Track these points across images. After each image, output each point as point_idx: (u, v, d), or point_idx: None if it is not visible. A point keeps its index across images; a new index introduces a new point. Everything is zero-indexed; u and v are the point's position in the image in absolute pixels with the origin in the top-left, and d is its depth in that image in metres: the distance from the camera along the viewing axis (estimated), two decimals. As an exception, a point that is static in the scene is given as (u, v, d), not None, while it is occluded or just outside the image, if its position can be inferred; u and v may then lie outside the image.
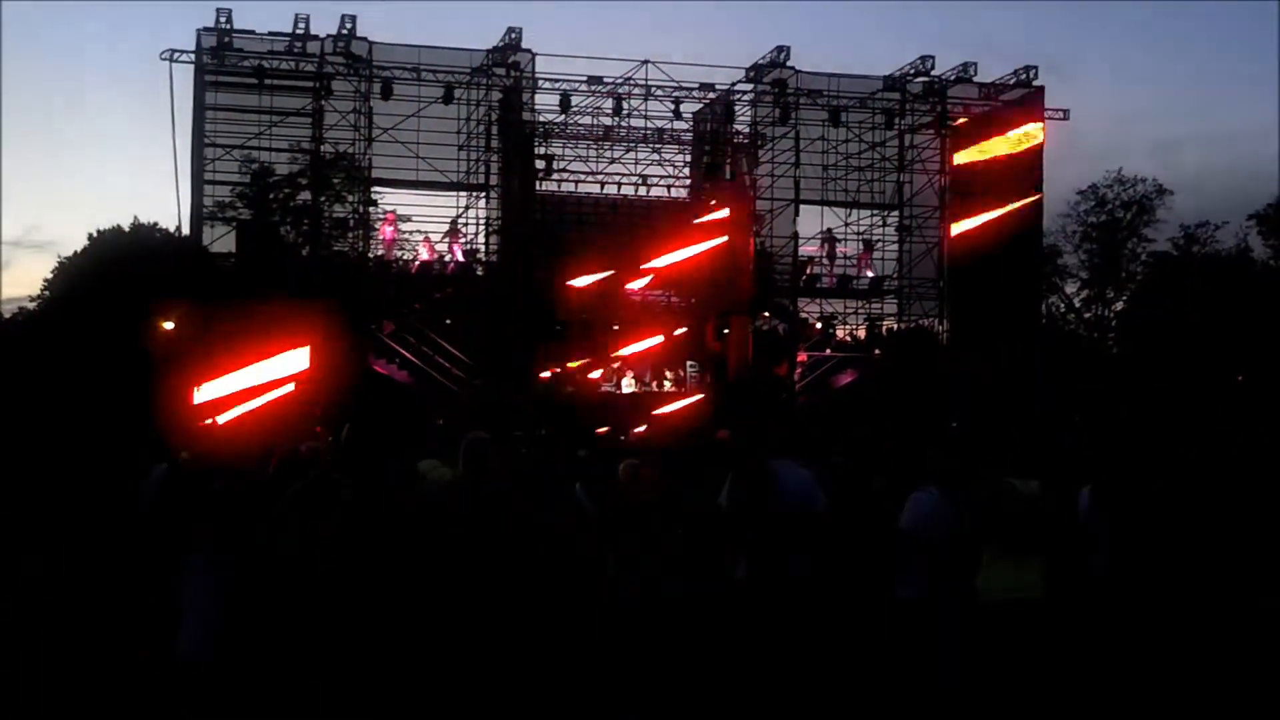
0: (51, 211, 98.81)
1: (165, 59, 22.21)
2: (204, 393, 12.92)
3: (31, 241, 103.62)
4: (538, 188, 24.34)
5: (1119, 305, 39.53)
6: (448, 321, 23.87)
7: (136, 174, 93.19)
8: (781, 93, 25.81)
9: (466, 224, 23.97)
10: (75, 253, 26.79)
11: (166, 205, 30.26)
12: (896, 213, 27.34)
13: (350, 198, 23.53)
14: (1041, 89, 26.84)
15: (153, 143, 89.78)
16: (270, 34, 22.62)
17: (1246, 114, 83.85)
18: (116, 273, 20.96)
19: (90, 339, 20.85)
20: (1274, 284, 37.65)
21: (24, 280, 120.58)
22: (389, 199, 24.09)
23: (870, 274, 26.96)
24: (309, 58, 22.69)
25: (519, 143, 24.15)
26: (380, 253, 23.88)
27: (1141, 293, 39.55)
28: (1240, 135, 79.40)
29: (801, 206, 26.57)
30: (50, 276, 40.24)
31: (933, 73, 26.41)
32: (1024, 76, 26.70)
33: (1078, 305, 39.45)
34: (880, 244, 27.24)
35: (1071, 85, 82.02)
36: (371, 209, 23.90)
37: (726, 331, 24.67)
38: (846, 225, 27.13)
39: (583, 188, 24.75)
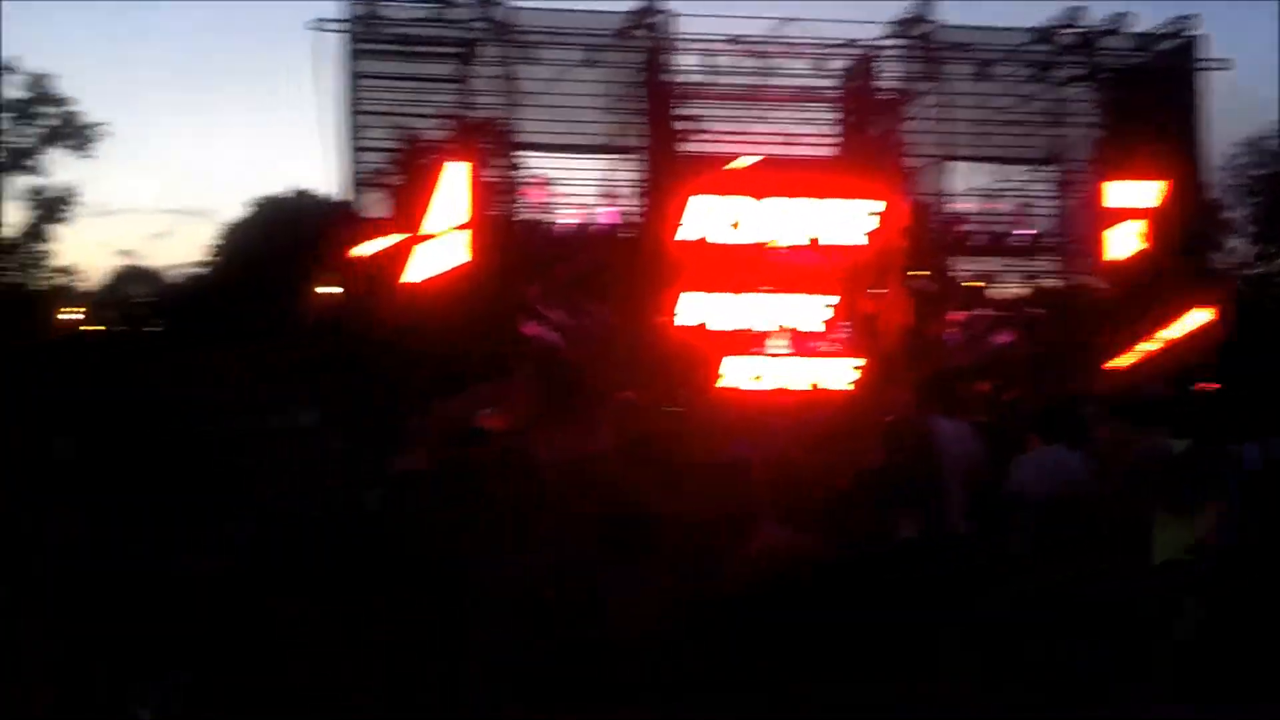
0: (213, 181, 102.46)
1: (314, 29, 22.48)
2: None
3: (194, 210, 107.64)
4: (682, 149, 24.10)
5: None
6: (594, 284, 23.88)
7: (295, 143, 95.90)
8: (927, 47, 25.19)
9: (616, 186, 23.93)
10: (237, 220, 27.49)
11: (323, 174, 30.95)
12: (1050, 168, 26.53)
13: (497, 163, 23.62)
14: (1202, 38, 25.77)
15: (309, 113, 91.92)
16: (417, 2, 22.77)
17: None
18: (275, 239, 21.40)
19: (253, 303, 21.41)
20: None
21: (189, 246, 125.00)
22: (535, 163, 24.14)
23: (1026, 231, 26.20)
24: (454, 24, 22.77)
25: (662, 104, 23.97)
26: (527, 216, 23.95)
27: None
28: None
29: (952, 163, 25.94)
30: (215, 243, 41.68)
31: (1084, 23, 25.52)
32: (1182, 25, 25.67)
33: (1242, 261, 38.00)
34: (1035, 200, 26.44)
35: (1237, 31, 78.39)
36: (517, 174, 23.98)
37: (880, 291, 24.24)
38: (1000, 181, 26.39)
39: (727, 148, 24.40)
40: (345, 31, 22.54)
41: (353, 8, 22.57)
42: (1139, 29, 25.89)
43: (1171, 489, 8.51)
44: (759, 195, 23.57)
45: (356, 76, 22.44)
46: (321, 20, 22.44)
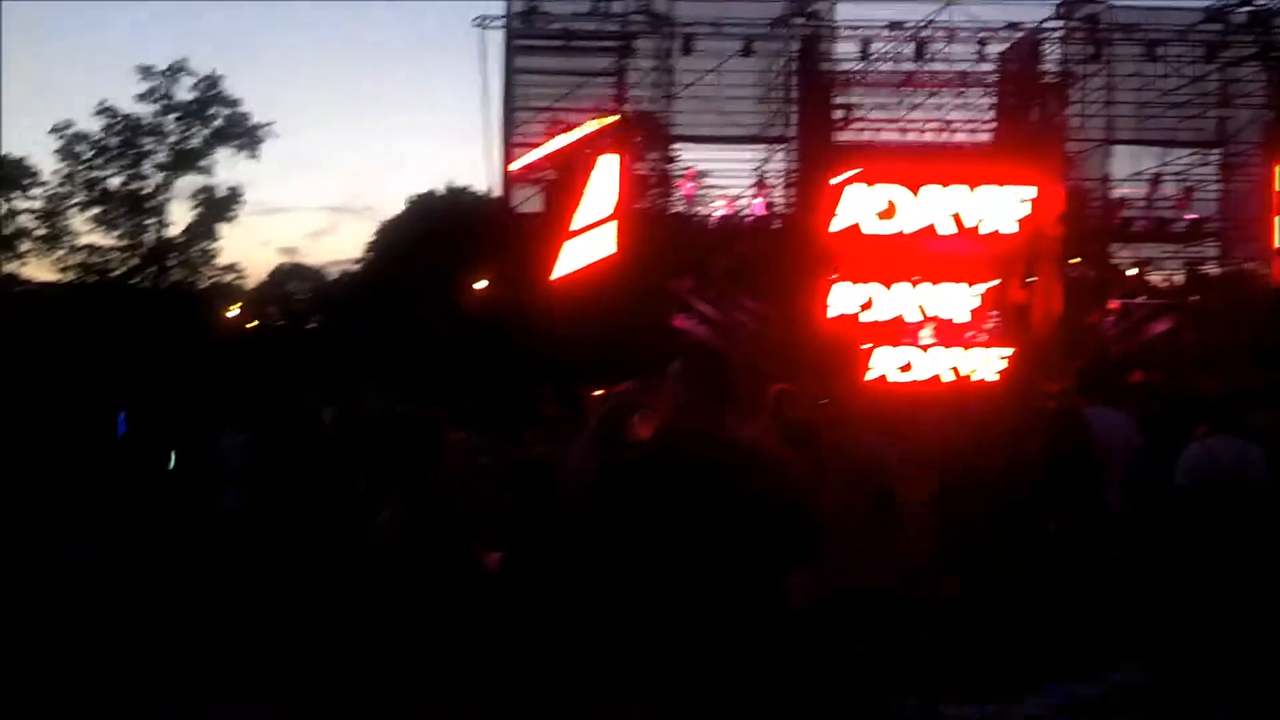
0: (372, 178, 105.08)
1: (477, 25, 23.12)
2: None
3: (353, 207, 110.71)
4: (836, 138, 24.12)
5: None
6: (745, 276, 24.07)
7: (453, 140, 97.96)
8: (1094, 28, 24.65)
9: (768, 176, 24.08)
10: (394, 217, 28.34)
11: (480, 170, 31.79)
12: (1217, 151, 25.74)
13: (651, 155, 24.00)
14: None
15: (467, 108, 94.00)
16: (573, -3, 23.26)
17: None
18: (434, 235, 22.10)
19: (411, 299, 22.17)
20: None
21: (348, 244, 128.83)
22: (688, 155, 24.45)
23: (1190, 216, 25.48)
24: (613, 17, 23.16)
25: (817, 93, 23.99)
26: (680, 209, 24.28)
27: None
28: None
29: (1115, 147, 25.40)
30: (372, 239, 42.79)
31: (1256, 2, 24.64)
32: (1364, -3, 24.56)
33: None
34: (1201, 184, 25.69)
35: None
36: (671, 165, 24.32)
37: (1033, 279, 23.91)
38: (1165, 165, 25.69)
39: (883, 135, 24.32)
40: (506, 28, 23.09)
41: (514, 4, 23.10)
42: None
43: None
44: (913, 184, 23.49)
45: (515, 72, 23.00)
46: (484, 18, 23.06)
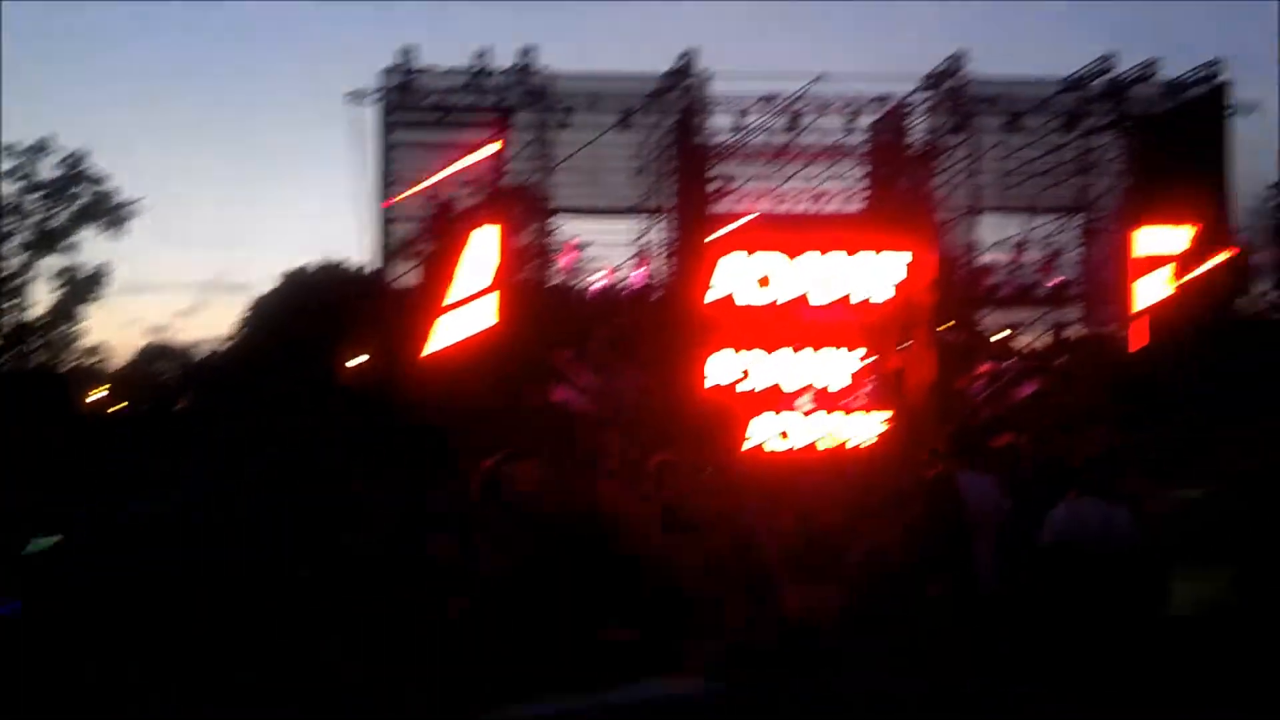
0: (243, 254, 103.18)
1: (350, 100, 22.97)
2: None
3: (224, 284, 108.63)
4: (713, 209, 24.45)
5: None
6: (625, 347, 24.16)
7: (326, 215, 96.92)
8: (957, 100, 25.42)
9: (647, 247, 24.27)
10: (266, 293, 27.88)
11: (355, 244, 31.50)
12: (1078, 217, 26.64)
13: (530, 227, 24.03)
14: (1228, 85, 25.89)
15: (339, 182, 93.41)
16: (452, 70, 23.21)
17: None
18: (306, 311, 21.75)
19: (284, 375, 21.76)
20: None
21: (218, 321, 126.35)
22: (567, 227, 24.53)
23: (1054, 280, 26.31)
24: (490, 92, 23.22)
25: (693, 165, 24.32)
26: (559, 280, 24.34)
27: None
28: None
29: (981, 215, 26.12)
30: (244, 316, 41.91)
31: (1113, 72, 25.67)
32: (1208, 72, 25.75)
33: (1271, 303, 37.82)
34: (1063, 250, 26.55)
35: (1262, 76, 78.31)
36: (550, 238, 24.38)
37: (907, 344, 24.42)
38: (1029, 231, 26.53)
39: (758, 206, 24.72)
40: (380, 102, 23.01)
41: (388, 78, 23.03)
42: (1167, 77, 25.96)
43: (1194, 540, 8.55)
44: (789, 252, 23.93)
45: (390, 147, 22.88)
46: (357, 91, 22.92)
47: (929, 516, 10.45)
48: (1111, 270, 26.16)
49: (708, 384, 23.45)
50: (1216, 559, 8.34)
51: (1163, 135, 26.09)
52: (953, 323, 25.55)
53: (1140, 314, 25.22)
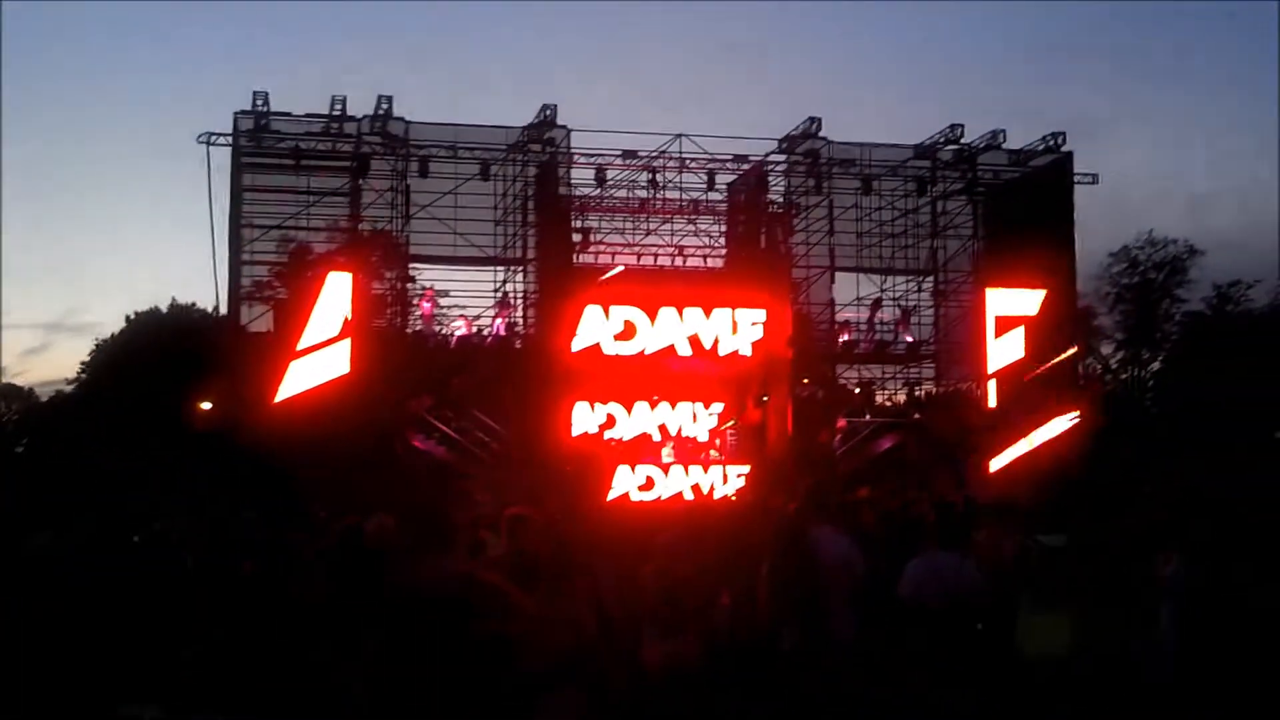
0: (90, 294, 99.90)
1: (203, 142, 22.38)
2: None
3: (70, 325, 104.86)
4: (575, 260, 24.40)
5: (1155, 365, 39.44)
6: (484, 396, 23.87)
7: (176, 256, 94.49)
8: (814, 162, 25.91)
9: (508, 297, 24.08)
10: (113, 334, 26.89)
11: (205, 286, 30.62)
12: (931, 278, 27.30)
13: (388, 274, 23.65)
14: (1070, 154, 26.91)
15: (192, 225, 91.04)
16: (307, 115, 22.80)
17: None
18: (153, 353, 21.01)
19: (127, 419, 20.98)
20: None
21: (62, 363, 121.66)
22: (426, 275, 24.25)
23: (908, 338, 26.87)
24: (346, 138, 22.86)
25: (555, 217, 24.25)
26: (419, 328, 23.95)
27: (1176, 353, 39.39)
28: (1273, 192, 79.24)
29: (837, 274, 26.61)
30: (88, 359, 40.31)
31: (962, 140, 26.46)
32: (1053, 142, 26.72)
33: (1114, 366, 39.29)
34: (917, 309, 27.15)
35: (1102, 147, 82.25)
36: (409, 285, 24.02)
37: (766, 399, 24.63)
38: (882, 291, 27.10)
39: (619, 259, 24.75)
40: (233, 145, 22.47)
41: (242, 121, 22.51)
42: (1014, 145, 26.83)
43: (1045, 586, 8.66)
44: (650, 307, 23.99)
45: (243, 189, 22.33)
46: (211, 134, 22.37)
47: (782, 570, 10.42)
48: (962, 330, 26.83)
49: (569, 435, 23.23)
50: (1061, 605, 8.47)
51: (1010, 202, 26.98)
52: (810, 379, 25.91)
53: (994, 374, 25.83)
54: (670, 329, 23.97)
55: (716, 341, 24.38)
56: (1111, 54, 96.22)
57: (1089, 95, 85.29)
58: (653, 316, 23.80)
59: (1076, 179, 26.96)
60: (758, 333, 24.69)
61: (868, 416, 26.67)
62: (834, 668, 9.69)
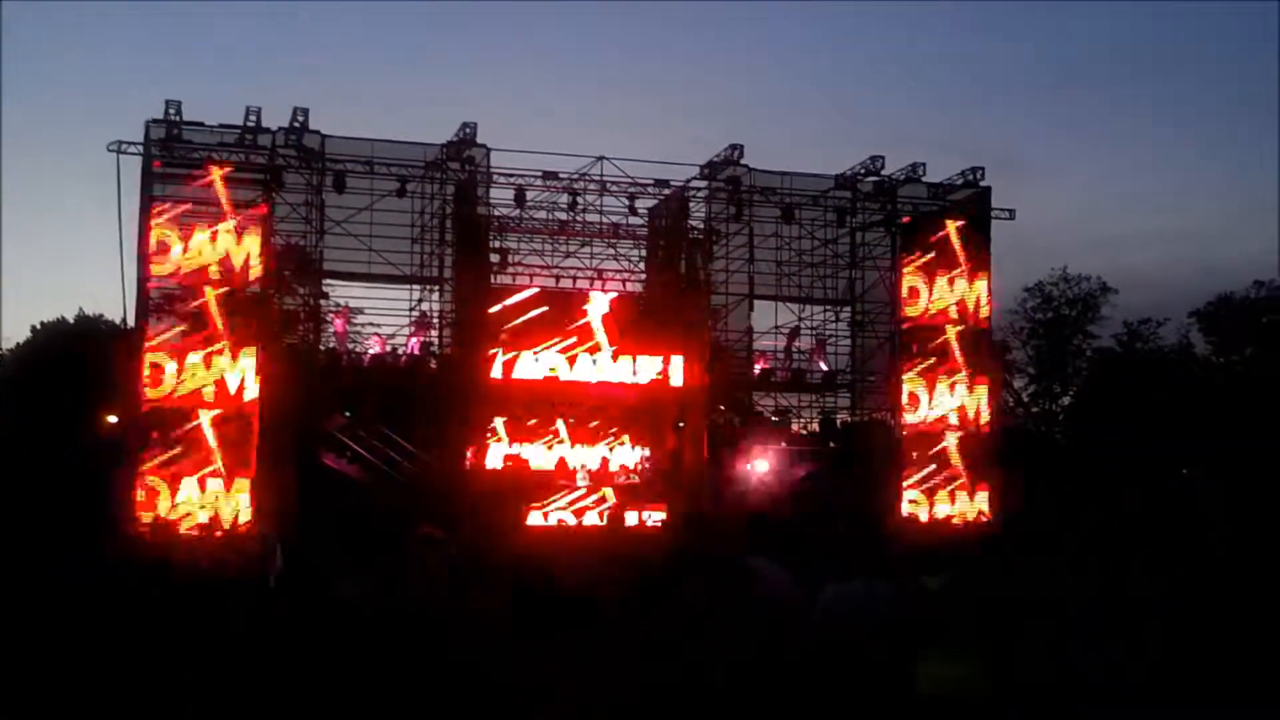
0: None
1: (113, 150, 21.79)
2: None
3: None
4: (492, 281, 24.13)
5: (1065, 400, 40.05)
6: (398, 415, 23.50)
7: (84, 266, 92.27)
8: (735, 190, 25.90)
9: (423, 317, 23.71)
10: (18, 345, 26.08)
11: (114, 298, 29.85)
12: (849, 308, 27.39)
13: (301, 290, 23.19)
14: (989, 189, 27.21)
15: (101, 235, 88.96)
16: (221, 126, 22.31)
17: (1193, 212, 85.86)
18: (58, 365, 20.42)
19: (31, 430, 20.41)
20: (1215, 379, 38.23)
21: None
22: (340, 292, 23.82)
23: (824, 368, 26.94)
24: (260, 150, 22.40)
25: (472, 236, 23.98)
26: (332, 345, 23.51)
27: (1086, 388, 40.05)
28: (1186, 234, 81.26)
29: (756, 302, 26.61)
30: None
31: (883, 172, 26.63)
32: (971, 177, 27.00)
33: (1026, 399, 39.82)
34: (834, 339, 27.24)
35: (1020, 183, 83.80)
36: (323, 302, 23.58)
37: (682, 425, 24.53)
38: (800, 320, 27.15)
39: (537, 281, 24.52)
40: (144, 155, 21.90)
41: (154, 131, 21.96)
42: (934, 179, 27.05)
43: (940, 625, 8.62)
44: (566, 332, 23.85)
45: (153, 200, 21.73)
46: (121, 143, 21.79)
47: (711, 600, 10.31)
48: (878, 361, 26.96)
49: (484, 457, 22.94)
50: (960, 642, 8.48)
51: (927, 235, 27.14)
52: (726, 406, 25.88)
53: (906, 404, 25.99)
54: (588, 355, 23.90)
55: (634, 368, 24.34)
56: (1038, 93, 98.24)
57: (1013, 133, 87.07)
58: (571, 340, 23.76)
59: (994, 214, 27.23)
60: (676, 359, 24.65)
61: (784, 445, 26.66)
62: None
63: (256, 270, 21.55)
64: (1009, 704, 8.15)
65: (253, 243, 21.65)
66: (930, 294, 26.37)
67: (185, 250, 21.38)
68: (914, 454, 25.87)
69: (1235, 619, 9.01)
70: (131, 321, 21.92)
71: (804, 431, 27.66)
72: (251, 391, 21.34)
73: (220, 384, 21.27)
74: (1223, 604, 9.39)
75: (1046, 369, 39.09)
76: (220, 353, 21.33)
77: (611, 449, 24.43)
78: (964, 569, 9.71)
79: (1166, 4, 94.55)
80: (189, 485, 20.93)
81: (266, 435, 21.28)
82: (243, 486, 21.07)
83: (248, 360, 21.36)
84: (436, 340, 23.91)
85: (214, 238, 21.47)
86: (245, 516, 20.92)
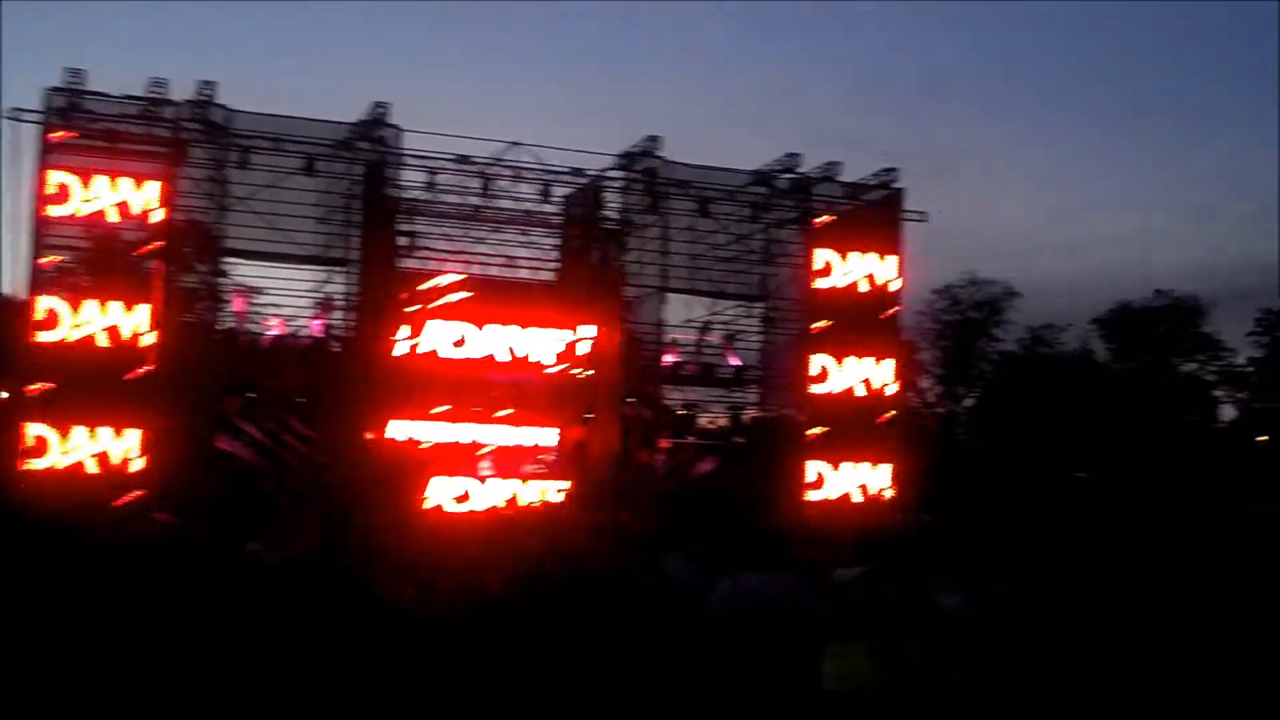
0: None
1: (9, 117, 21.05)
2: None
3: None
4: (400, 265, 23.70)
5: (969, 401, 40.58)
6: (299, 399, 23.02)
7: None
8: (651, 181, 25.73)
9: (328, 299, 23.22)
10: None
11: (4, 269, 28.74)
12: (761, 304, 27.36)
13: (200, 267, 22.59)
14: (902, 191, 27.36)
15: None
16: (125, 97, 21.66)
17: (1100, 222, 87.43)
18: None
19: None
20: (1114, 384, 38.99)
21: None
22: (243, 270, 23.22)
23: (734, 363, 26.90)
24: (165, 122, 21.77)
25: (381, 218, 23.52)
26: (231, 325, 22.93)
27: (990, 391, 40.64)
28: (1094, 242, 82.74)
29: (668, 295, 26.47)
30: None
31: (798, 170, 26.65)
32: (886, 178, 27.14)
33: (931, 400, 40.28)
34: (745, 334, 27.19)
35: (943, 188, 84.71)
36: (223, 280, 22.98)
37: (591, 416, 24.35)
38: (713, 314, 27.06)
39: (447, 267, 24.14)
40: (43, 123, 21.17)
41: (53, 98, 21.24)
42: (849, 178, 27.11)
43: (848, 618, 8.59)
44: (476, 318, 23.54)
45: (51, 169, 21.02)
46: (18, 110, 21.05)
47: (632, 591, 10.33)
48: (788, 358, 26.96)
49: (383, 442, 22.55)
50: (859, 637, 8.48)
51: (841, 233, 27.21)
52: (636, 398, 25.72)
53: (814, 402, 26.07)
54: (496, 341, 23.64)
55: (543, 355, 24.12)
56: (961, 97, 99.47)
57: (942, 138, 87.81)
58: (480, 327, 23.46)
59: (907, 215, 27.38)
60: (585, 348, 24.47)
61: (691, 439, 26.59)
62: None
63: (158, 217, 21.02)
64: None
65: (153, 189, 21.23)
66: (841, 267, 26.49)
67: (85, 192, 20.78)
68: (819, 425, 25.94)
69: (1180, 620, 9.07)
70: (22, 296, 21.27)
71: (711, 426, 27.59)
72: (147, 339, 20.93)
73: (113, 330, 20.83)
74: (1164, 606, 9.47)
75: (952, 370, 39.59)
76: (115, 298, 20.88)
77: (517, 436, 24.14)
78: (881, 565, 9.73)
79: (1101, 16, 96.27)
80: (79, 433, 20.48)
81: (162, 391, 20.87)
82: (133, 437, 20.74)
83: (143, 310, 20.96)
84: (341, 323, 23.40)
85: (114, 179, 21.01)
86: (137, 465, 20.57)
